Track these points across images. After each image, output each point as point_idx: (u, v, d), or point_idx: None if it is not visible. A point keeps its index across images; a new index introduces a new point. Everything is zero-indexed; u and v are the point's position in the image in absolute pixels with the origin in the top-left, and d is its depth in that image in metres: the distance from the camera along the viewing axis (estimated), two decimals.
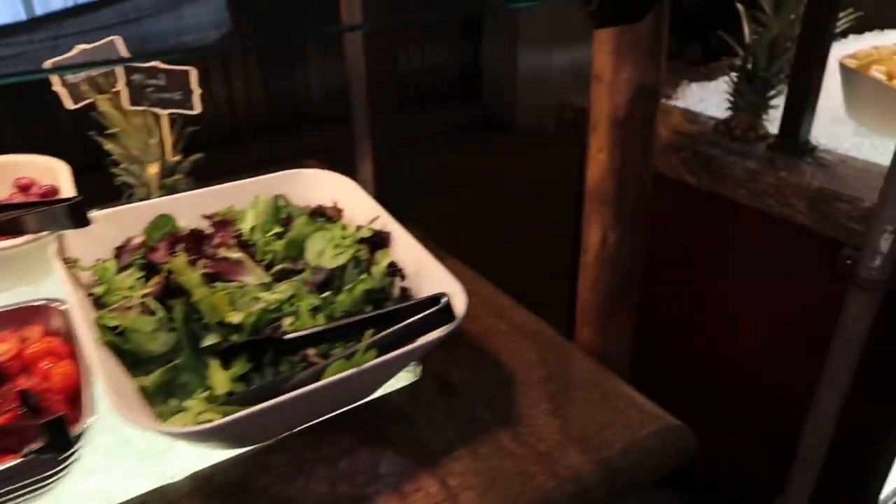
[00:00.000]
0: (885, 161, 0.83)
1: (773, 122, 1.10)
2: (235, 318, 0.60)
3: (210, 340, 0.59)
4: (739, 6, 1.11)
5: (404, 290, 0.65)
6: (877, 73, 1.05)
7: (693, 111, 1.23)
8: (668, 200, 1.20)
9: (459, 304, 0.58)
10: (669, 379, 1.35)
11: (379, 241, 0.67)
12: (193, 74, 0.71)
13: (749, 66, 1.08)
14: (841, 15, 1.33)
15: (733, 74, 1.11)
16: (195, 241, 0.63)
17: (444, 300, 0.57)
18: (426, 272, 0.64)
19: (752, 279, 1.11)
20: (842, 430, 1.00)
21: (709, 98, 1.27)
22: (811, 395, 1.00)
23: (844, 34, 1.41)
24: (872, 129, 1.07)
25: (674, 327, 1.28)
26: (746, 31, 1.10)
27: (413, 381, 0.64)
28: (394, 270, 0.65)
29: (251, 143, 2.84)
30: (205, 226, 0.66)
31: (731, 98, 1.13)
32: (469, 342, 0.68)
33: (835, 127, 1.11)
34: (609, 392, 0.61)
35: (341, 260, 0.64)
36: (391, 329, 0.56)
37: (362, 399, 0.60)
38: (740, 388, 1.21)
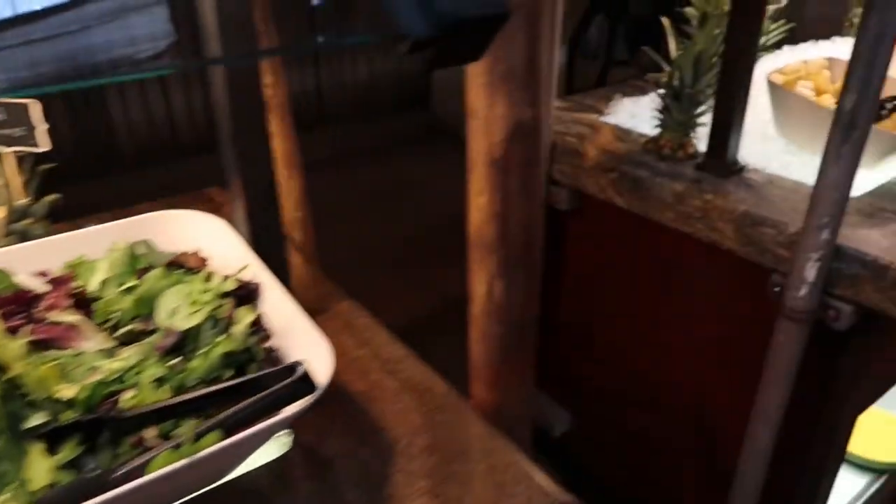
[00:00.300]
0: (813, 181, 0.79)
1: (702, 139, 1.06)
2: (67, 392, 0.52)
3: (36, 420, 0.51)
4: (664, 20, 1.07)
5: (271, 351, 0.58)
6: (804, 89, 1.02)
7: (623, 128, 1.19)
8: (597, 223, 1.15)
9: (324, 369, 0.52)
10: (599, 406, 1.30)
11: (246, 294, 0.60)
12: (34, 108, 0.63)
13: (675, 82, 1.04)
14: (772, 27, 1.30)
15: (660, 90, 1.07)
16: (23, 304, 0.55)
17: (300, 369, 0.50)
18: (295, 330, 0.57)
19: (683, 305, 1.07)
20: (777, 461, 0.95)
21: (641, 113, 1.22)
22: (746, 425, 0.96)
23: (779, 45, 1.38)
24: (801, 147, 1.03)
25: (603, 352, 1.23)
26: (672, 45, 1.05)
27: (282, 453, 0.57)
28: (258, 329, 0.58)
29: (195, 160, 2.74)
30: (39, 283, 0.58)
31: (660, 115, 1.08)
32: (351, 403, 0.61)
33: (765, 144, 1.07)
34: (497, 463, 0.54)
35: (196, 319, 0.56)
36: (237, 407, 0.49)
37: (210, 485, 0.53)
38: (672, 416, 1.16)
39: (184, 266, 0.61)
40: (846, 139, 0.76)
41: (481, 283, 0.54)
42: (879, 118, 0.98)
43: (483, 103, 0.47)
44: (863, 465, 1.24)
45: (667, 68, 1.06)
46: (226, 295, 0.59)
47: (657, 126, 1.08)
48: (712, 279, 1.01)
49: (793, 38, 1.48)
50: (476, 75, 0.46)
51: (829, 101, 1.01)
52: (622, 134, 1.16)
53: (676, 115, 1.05)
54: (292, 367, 0.51)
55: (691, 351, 1.08)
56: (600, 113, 1.26)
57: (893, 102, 1.00)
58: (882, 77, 0.75)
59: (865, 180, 0.96)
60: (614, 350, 1.22)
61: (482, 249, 0.52)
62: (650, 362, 1.15)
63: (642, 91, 1.35)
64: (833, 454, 1.00)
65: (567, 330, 1.31)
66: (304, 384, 0.50)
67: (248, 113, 0.62)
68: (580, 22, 3.08)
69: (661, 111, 1.07)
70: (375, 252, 1.75)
